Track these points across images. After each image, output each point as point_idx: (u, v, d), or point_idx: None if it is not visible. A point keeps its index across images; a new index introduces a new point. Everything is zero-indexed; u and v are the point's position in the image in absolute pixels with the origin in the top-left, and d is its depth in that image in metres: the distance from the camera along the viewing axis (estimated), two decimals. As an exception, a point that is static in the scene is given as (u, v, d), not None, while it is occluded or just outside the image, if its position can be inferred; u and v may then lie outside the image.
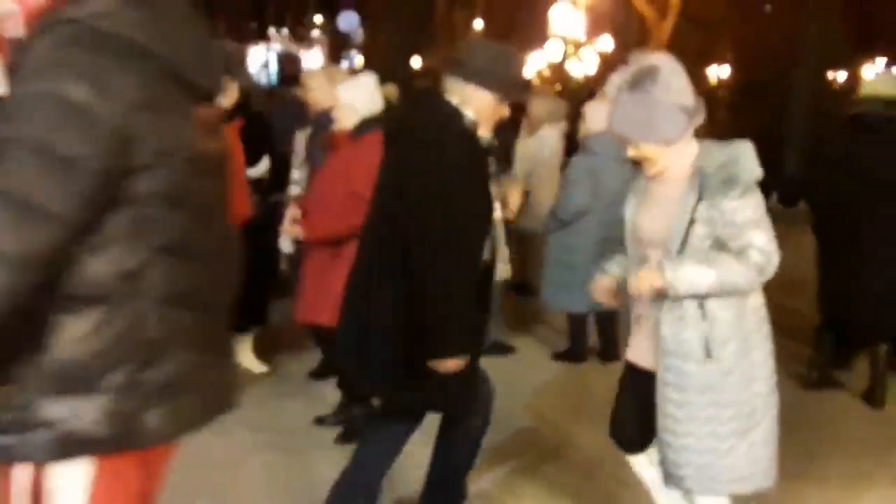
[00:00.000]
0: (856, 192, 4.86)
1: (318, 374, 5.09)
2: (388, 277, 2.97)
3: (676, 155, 2.80)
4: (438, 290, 2.86)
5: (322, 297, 4.13)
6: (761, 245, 2.71)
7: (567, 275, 5.49)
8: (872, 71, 16.41)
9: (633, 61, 2.81)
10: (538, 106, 6.89)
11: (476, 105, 3.01)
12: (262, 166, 4.83)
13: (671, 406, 2.83)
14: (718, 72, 23.66)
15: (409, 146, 3.04)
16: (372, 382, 3.20)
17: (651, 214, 2.88)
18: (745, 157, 2.76)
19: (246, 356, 5.23)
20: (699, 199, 2.73)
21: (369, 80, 4.35)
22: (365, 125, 4.15)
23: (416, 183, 2.93)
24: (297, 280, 4.55)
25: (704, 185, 2.73)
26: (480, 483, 3.83)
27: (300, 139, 5.41)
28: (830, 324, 5.22)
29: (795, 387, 5.14)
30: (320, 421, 4.50)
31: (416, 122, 3.14)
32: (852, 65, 19.65)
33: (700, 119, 2.80)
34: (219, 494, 3.73)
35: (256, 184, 4.84)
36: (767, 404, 2.86)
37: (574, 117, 6.69)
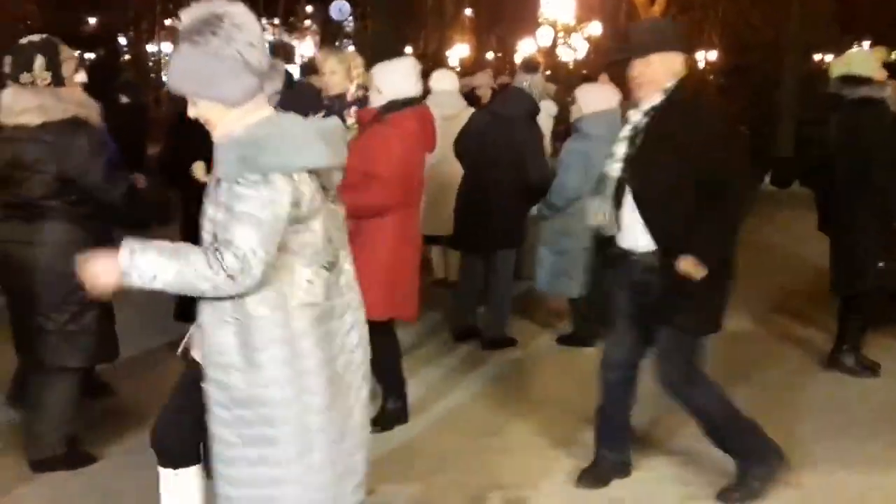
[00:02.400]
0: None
1: None
2: None
3: (237, 120, 2.43)
4: None
5: None
6: (244, 247, 2.30)
7: (561, 260, 5.60)
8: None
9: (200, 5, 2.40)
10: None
11: None
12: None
13: (220, 426, 2.50)
14: (707, 55, 23.77)
15: None
16: None
17: None
18: (281, 137, 2.38)
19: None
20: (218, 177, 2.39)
21: (400, 65, 4.42)
22: (390, 106, 4.25)
23: None
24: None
25: (222, 160, 2.38)
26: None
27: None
28: (849, 301, 5.30)
29: (814, 368, 5.31)
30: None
31: None
32: (840, 46, 19.77)
33: (276, 85, 2.52)
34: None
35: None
36: (325, 422, 2.49)
37: (565, 102, 6.81)
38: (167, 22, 27.50)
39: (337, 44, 26.39)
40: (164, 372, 4.46)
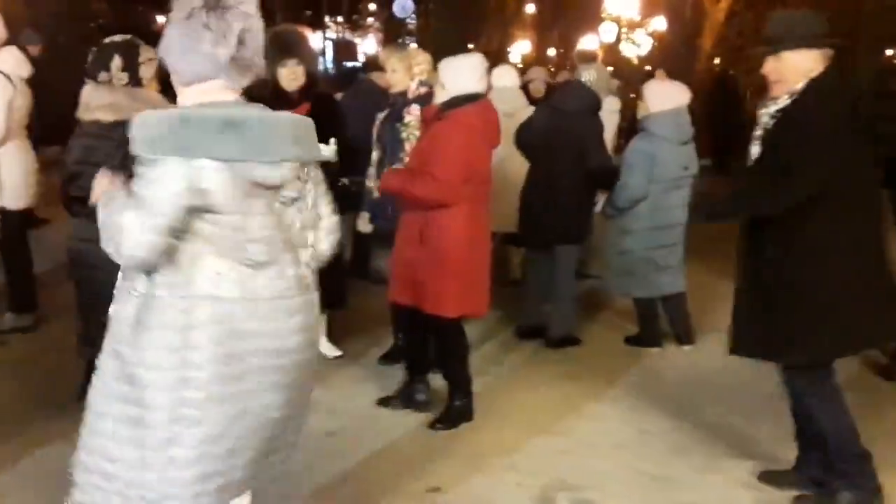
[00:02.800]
0: None
1: (388, 357, 5.22)
2: None
3: (189, 99, 2.43)
4: None
5: (404, 280, 4.30)
6: (122, 224, 2.28)
7: (623, 260, 5.54)
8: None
9: None
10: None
11: None
12: (328, 150, 4.95)
13: (99, 397, 2.44)
14: (776, 51, 23.31)
15: None
16: None
17: None
18: (192, 123, 2.29)
19: (320, 341, 5.38)
20: None
21: (466, 61, 4.40)
22: (452, 103, 4.24)
23: None
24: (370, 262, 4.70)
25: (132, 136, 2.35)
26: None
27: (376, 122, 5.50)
28: None
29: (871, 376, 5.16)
30: (384, 402, 4.62)
31: None
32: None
33: (243, 83, 2.42)
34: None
35: (323, 166, 4.94)
36: (201, 418, 2.35)
37: (630, 100, 6.71)
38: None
39: (399, 41, 26.51)
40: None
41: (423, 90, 5.02)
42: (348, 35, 32.72)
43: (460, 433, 4.30)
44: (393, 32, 30.49)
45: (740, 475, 3.91)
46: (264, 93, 4.79)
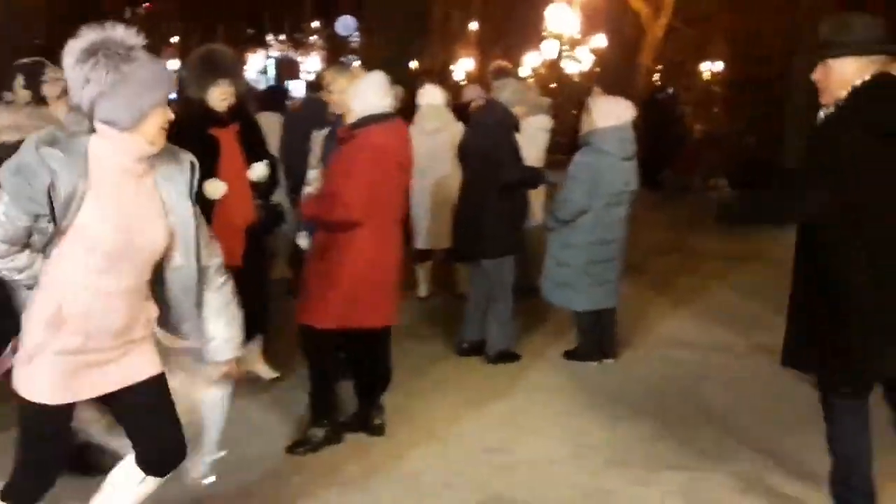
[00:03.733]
0: None
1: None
2: None
3: None
4: None
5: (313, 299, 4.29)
6: None
7: (562, 272, 5.57)
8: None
9: None
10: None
11: None
12: (261, 169, 4.92)
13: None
14: (712, 67, 23.73)
15: None
16: None
17: None
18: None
19: (256, 363, 5.33)
20: None
21: (369, 80, 4.37)
22: (357, 124, 4.23)
23: None
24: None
25: None
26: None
27: (317, 139, 5.51)
28: None
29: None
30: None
31: None
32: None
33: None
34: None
35: (255, 187, 4.92)
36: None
37: (570, 115, 6.76)
38: (173, 40, 27.66)
39: (343, 59, 26.48)
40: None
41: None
42: (291, 53, 32.58)
43: (399, 451, 4.28)
44: (336, 51, 30.46)
45: (676, 487, 3.95)
46: (193, 111, 4.78)
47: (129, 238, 2.61)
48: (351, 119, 4.28)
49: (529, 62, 28.21)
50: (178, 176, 2.80)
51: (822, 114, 3.36)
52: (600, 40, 24.68)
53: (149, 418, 2.79)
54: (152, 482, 2.87)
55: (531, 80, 20.01)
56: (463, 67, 29.59)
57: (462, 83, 21.44)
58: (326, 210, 4.21)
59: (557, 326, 6.30)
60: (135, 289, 2.69)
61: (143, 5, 26.73)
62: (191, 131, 5.01)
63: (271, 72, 30.05)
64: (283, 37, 30.90)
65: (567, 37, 24.48)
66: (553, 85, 23.33)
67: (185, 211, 2.77)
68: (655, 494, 3.89)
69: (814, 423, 3.59)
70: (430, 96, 7.18)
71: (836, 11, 15.21)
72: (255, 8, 26.41)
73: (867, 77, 3.25)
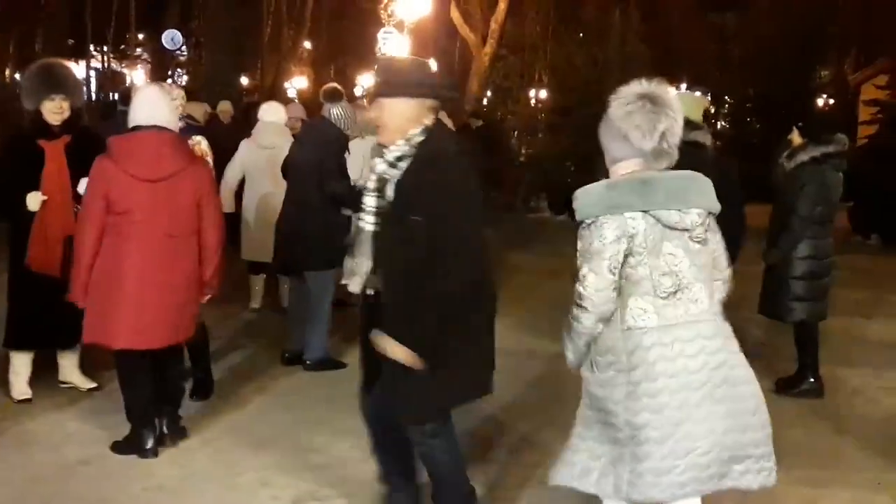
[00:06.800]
0: None
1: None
2: None
3: None
4: None
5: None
6: (582, 277, 2.86)
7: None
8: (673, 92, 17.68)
9: None
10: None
11: None
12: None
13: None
14: (538, 94, 24.80)
15: None
16: None
17: None
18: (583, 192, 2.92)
19: (73, 373, 5.30)
20: None
21: (140, 93, 4.46)
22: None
23: None
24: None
25: None
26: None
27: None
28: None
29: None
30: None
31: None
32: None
33: None
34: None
35: (80, 200, 4.92)
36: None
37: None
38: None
39: (170, 73, 25.94)
40: None
41: (181, 124, 5.16)
42: (115, 65, 31.55)
43: (221, 457, 4.40)
44: (163, 64, 29.77)
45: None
46: (34, 124, 4.84)
47: None
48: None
49: (363, 82, 28.54)
50: None
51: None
52: (431, 65, 25.35)
53: None
54: None
55: (365, 101, 20.32)
56: (296, 85, 29.57)
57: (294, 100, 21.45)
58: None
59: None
60: None
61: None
62: (19, 141, 5.02)
63: (93, 84, 28.98)
64: (106, 48, 29.87)
65: (399, 60, 24.93)
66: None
67: None
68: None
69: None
70: (272, 113, 7.41)
71: (643, 44, 16.16)
72: (76, 18, 25.44)
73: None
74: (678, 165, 4.91)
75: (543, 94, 24.62)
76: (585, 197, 2.92)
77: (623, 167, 2.98)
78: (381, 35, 23.49)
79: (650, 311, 2.86)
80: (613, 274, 2.84)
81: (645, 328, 2.85)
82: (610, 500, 3.00)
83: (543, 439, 4.68)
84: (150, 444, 4.32)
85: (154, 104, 4.31)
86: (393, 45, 24.67)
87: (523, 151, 19.74)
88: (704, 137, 5.51)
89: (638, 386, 2.84)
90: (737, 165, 6.28)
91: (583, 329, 2.91)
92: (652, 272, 2.87)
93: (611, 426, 2.92)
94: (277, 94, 22.59)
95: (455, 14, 19.91)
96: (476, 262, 3.34)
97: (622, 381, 2.87)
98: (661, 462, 2.81)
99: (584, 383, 3.02)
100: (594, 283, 2.84)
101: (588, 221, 2.88)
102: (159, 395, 4.44)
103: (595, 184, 2.95)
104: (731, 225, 5.52)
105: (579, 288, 2.86)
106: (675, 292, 2.87)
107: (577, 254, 2.91)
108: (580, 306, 2.87)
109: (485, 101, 21.58)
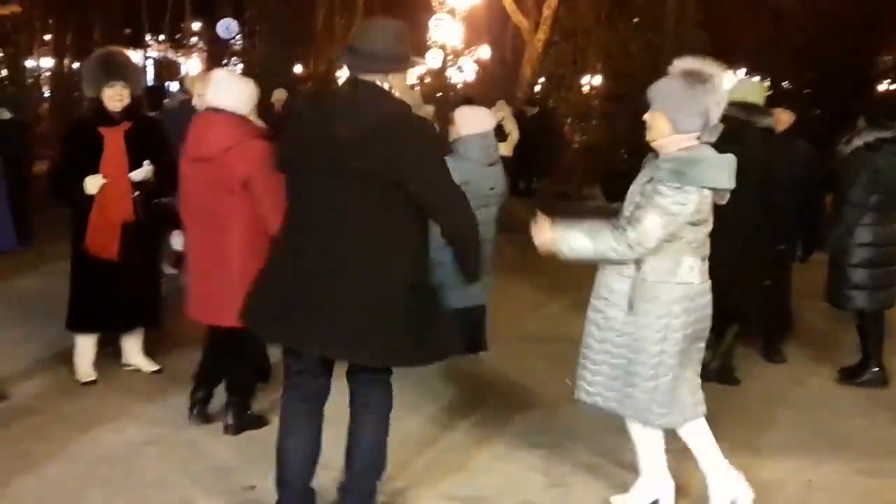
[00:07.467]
0: None
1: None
2: None
3: None
4: None
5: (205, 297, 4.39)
6: (646, 226, 3.28)
7: (438, 273, 5.79)
8: (732, 79, 17.40)
9: None
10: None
11: None
12: (142, 170, 5.02)
13: (591, 340, 3.57)
14: (592, 81, 24.55)
15: None
16: None
17: None
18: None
19: (137, 356, 5.41)
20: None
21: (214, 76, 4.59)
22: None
23: None
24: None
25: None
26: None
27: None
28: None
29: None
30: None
31: None
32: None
33: None
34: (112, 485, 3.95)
35: (139, 186, 5.02)
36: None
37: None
38: (46, 37, 26.77)
39: (225, 62, 26.20)
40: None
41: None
42: (171, 54, 31.98)
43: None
44: (217, 53, 30.07)
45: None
46: (94, 111, 4.94)
47: None
48: None
49: (415, 70, 28.55)
50: None
51: None
52: (484, 51, 25.26)
53: None
54: None
55: (416, 89, 20.36)
56: (347, 74, 29.67)
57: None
58: None
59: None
60: None
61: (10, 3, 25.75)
62: (80, 128, 5.13)
63: (150, 73, 29.43)
64: (162, 37, 30.30)
65: (451, 47, 24.93)
66: (439, 94, 23.67)
67: None
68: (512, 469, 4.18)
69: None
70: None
71: (699, 30, 15.90)
72: (132, 8, 25.83)
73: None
74: (752, 151, 5.01)
75: (597, 80, 24.39)
76: (695, 165, 3.30)
77: (684, 140, 3.35)
78: (432, 22, 23.46)
79: (696, 269, 3.42)
80: (664, 236, 3.29)
81: (692, 283, 3.41)
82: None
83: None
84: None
85: (216, 86, 4.37)
86: (444, 32, 24.67)
87: (577, 139, 19.59)
88: (769, 122, 5.46)
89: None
90: (820, 157, 6.16)
91: (613, 254, 3.35)
92: (705, 238, 3.42)
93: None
94: (330, 82, 22.71)
95: (507, 0, 19.82)
96: None
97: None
98: None
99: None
100: (646, 234, 3.28)
101: (676, 185, 3.26)
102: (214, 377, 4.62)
103: (696, 152, 3.33)
104: (811, 214, 5.51)
105: (630, 229, 3.29)
106: (705, 257, 3.46)
107: (643, 196, 3.33)
108: (623, 240, 3.31)
109: (537, 88, 21.44)
